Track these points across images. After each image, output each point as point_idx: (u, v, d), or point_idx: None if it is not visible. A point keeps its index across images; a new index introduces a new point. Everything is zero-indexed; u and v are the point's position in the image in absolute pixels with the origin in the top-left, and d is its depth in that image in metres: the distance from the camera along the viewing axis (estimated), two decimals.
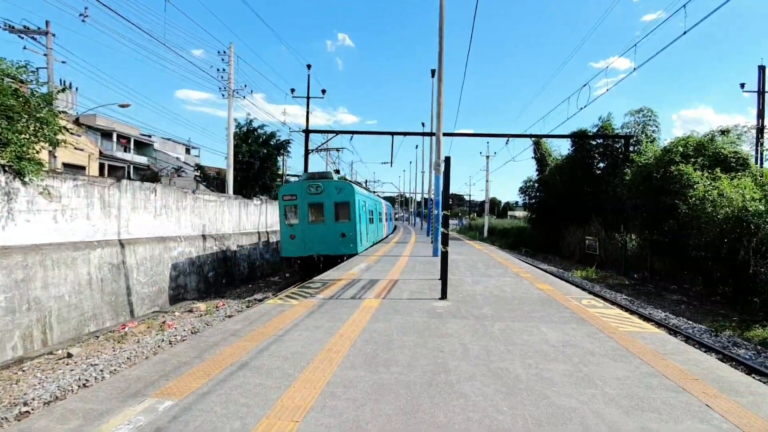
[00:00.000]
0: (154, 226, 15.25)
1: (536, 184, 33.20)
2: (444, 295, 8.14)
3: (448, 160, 8.53)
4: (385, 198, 59.87)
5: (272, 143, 30.90)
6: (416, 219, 71.17)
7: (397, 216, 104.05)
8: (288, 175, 55.17)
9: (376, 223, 25.37)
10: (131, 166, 41.14)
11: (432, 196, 26.27)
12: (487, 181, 48.55)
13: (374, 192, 58.67)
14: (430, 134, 27.07)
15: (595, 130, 27.53)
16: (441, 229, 8.51)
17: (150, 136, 48.50)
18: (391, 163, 26.79)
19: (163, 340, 10.35)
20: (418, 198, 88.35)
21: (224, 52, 23.80)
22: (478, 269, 12.81)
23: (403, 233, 38.00)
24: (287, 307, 7.36)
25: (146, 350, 9.64)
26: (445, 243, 8.33)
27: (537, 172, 34.09)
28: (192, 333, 10.97)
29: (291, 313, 6.95)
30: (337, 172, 23.13)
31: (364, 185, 35.60)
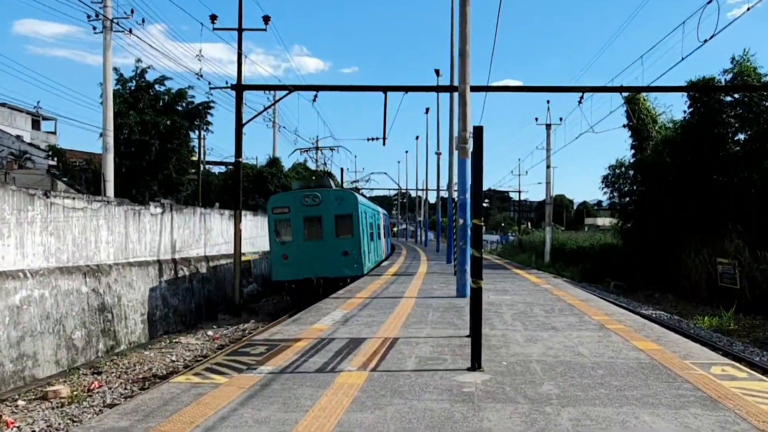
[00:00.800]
0: None
1: (631, 171, 33.49)
2: (477, 364, 8.16)
3: (479, 132, 8.60)
4: (374, 200, 60.42)
5: (180, 108, 30.96)
6: (427, 233, 71.38)
7: (394, 228, 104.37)
8: (208, 162, 55.65)
9: (376, 239, 31.28)
10: None
11: (454, 195, 26.32)
12: (548, 167, 48.82)
13: (359, 190, 59.69)
14: (450, 89, 27.16)
15: (728, 79, 27.86)
16: (470, 251, 8.55)
17: None
18: (384, 138, 26.91)
19: None
20: (432, 198, 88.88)
21: None
22: (534, 317, 12.85)
23: (406, 258, 38.09)
24: (209, 389, 7.34)
25: None
26: (477, 274, 8.36)
27: (632, 150, 34.34)
28: None
29: (215, 399, 6.93)
30: (330, 175, 26.84)
31: (335, 183, 38.25)
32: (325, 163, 50.92)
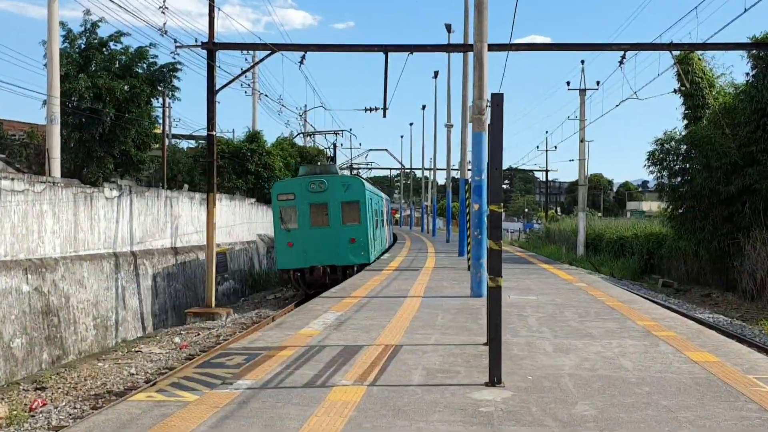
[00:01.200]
0: None
1: (683, 145, 33.38)
2: (496, 378, 8.13)
3: (499, 100, 8.52)
4: (373, 182, 61.01)
5: (141, 71, 30.79)
6: (435, 220, 71.52)
7: (396, 215, 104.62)
8: (175, 136, 55.49)
9: (380, 227, 35.91)
10: None
11: (468, 175, 26.37)
12: (581, 141, 48.76)
13: (353, 170, 60.98)
14: (463, 48, 27.07)
15: None
16: (487, 242, 8.51)
17: None
18: (385, 109, 26.92)
19: None
20: (441, 178, 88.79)
21: None
22: (565, 322, 12.81)
23: (410, 250, 38.10)
24: (175, 408, 7.31)
25: None
26: (496, 270, 8.30)
27: (685, 121, 34.17)
28: None
29: (183, 421, 6.90)
30: (333, 160, 34.38)
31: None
32: (333, 148, 51.91)
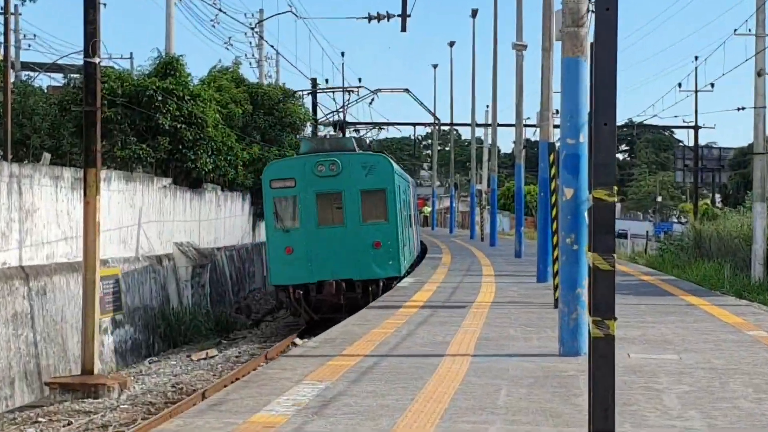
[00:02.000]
0: None
1: None
2: None
3: (611, 1, 8.54)
4: (386, 149, 61.66)
5: None
6: (494, 219, 71.40)
7: (425, 207, 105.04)
8: (25, 66, 55.64)
9: (409, 225, 41.79)
10: None
11: (554, 135, 26.50)
12: (758, 74, 48.45)
13: (345, 127, 62.30)
14: None
15: None
16: (588, 257, 8.52)
17: None
18: (405, 18, 27.11)
19: None
20: (505, 144, 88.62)
21: None
22: (730, 401, 12.76)
23: (448, 271, 38.17)
24: None
25: None
26: (605, 308, 8.30)
27: None
28: None
29: None
30: (341, 129, 44.31)
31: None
32: (312, 89, 52.24)
